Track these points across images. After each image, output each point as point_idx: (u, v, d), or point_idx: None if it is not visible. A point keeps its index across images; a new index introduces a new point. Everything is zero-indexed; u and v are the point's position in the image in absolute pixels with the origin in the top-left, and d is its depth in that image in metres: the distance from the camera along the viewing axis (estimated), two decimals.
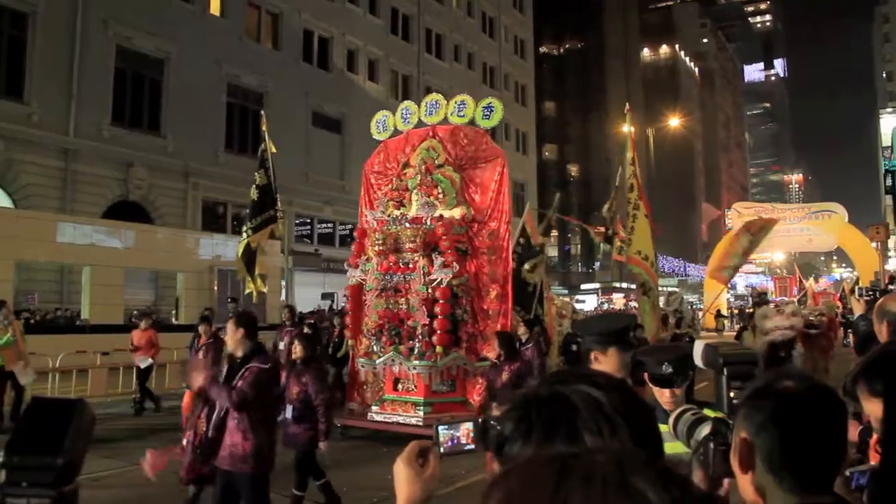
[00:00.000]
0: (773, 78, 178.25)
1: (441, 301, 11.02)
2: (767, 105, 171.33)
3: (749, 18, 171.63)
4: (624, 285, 51.41)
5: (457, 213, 11.77)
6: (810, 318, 14.95)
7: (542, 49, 65.50)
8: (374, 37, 36.10)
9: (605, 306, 45.31)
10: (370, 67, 35.97)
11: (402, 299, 11.48)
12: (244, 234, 14.30)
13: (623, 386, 1.13)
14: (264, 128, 14.56)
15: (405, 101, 13.66)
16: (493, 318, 11.78)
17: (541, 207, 46.74)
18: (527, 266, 14.36)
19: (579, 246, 69.44)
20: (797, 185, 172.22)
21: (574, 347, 16.60)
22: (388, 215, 11.82)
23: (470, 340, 11.55)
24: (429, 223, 11.36)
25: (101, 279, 20.26)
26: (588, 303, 46.39)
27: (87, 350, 15.00)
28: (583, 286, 58.82)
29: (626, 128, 14.34)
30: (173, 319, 23.39)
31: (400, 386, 11.44)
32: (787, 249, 35.81)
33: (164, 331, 15.99)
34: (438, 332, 10.92)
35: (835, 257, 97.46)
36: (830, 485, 1.42)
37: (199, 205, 27.06)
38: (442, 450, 1.49)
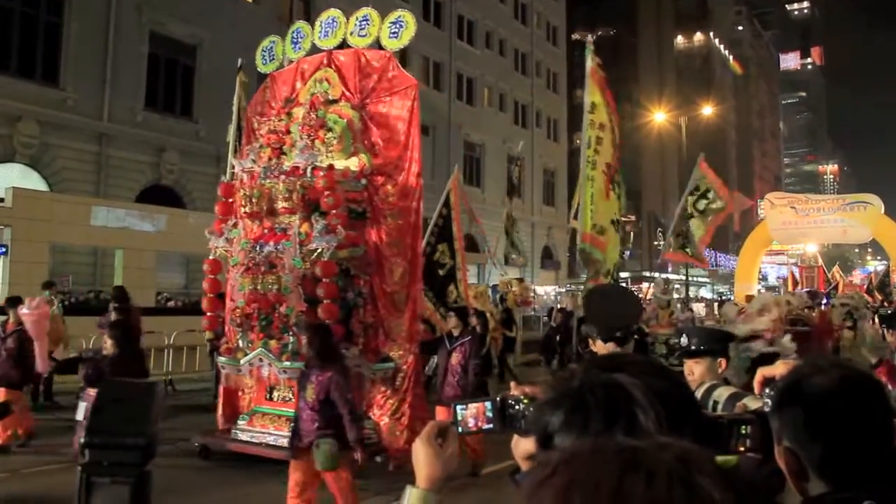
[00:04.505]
0: (809, 66, 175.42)
1: (325, 280, 8.10)
2: (803, 94, 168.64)
3: (786, 5, 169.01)
4: (656, 275, 50.95)
5: (353, 163, 9.02)
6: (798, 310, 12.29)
7: (575, 36, 64.99)
8: None
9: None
10: (401, 54, 35.78)
11: (274, 277, 8.38)
12: None
13: (662, 368, 1.11)
14: None
15: (297, 22, 11.45)
16: (399, 305, 8.97)
17: (570, 195, 46.44)
18: (441, 247, 11.40)
19: None
20: (832, 176, 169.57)
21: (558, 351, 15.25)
22: (262, 165, 8.91)
23: (367, 334, 8.78)
24: (309, 175, 8.45)
25: (133, 262, 20.46)
26: None
27: None
28: None
29: (588, 63, 10.67)
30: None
31: (275, 395, 8.77)
32: (822, 241, 35.12)
33: (196, 313, 16.15)
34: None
35: (870, 249, 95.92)
36: (889, 475, 1.32)
37: None
38: (460, 429, 1.47)
